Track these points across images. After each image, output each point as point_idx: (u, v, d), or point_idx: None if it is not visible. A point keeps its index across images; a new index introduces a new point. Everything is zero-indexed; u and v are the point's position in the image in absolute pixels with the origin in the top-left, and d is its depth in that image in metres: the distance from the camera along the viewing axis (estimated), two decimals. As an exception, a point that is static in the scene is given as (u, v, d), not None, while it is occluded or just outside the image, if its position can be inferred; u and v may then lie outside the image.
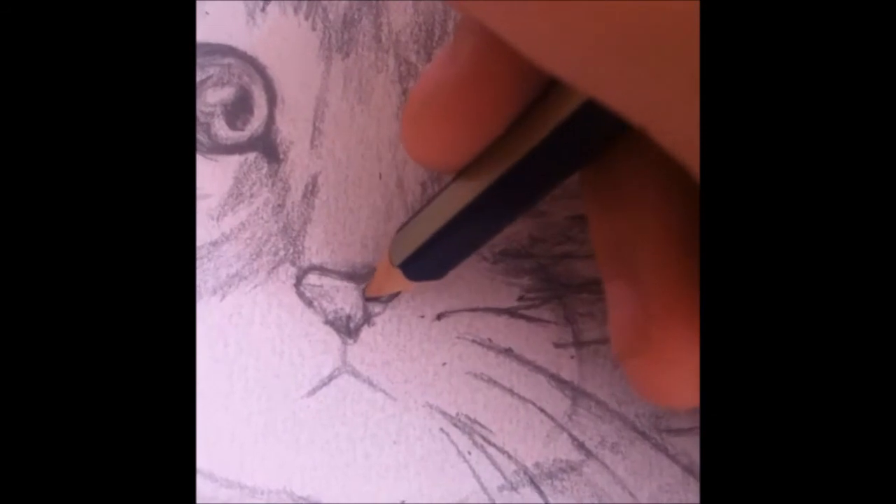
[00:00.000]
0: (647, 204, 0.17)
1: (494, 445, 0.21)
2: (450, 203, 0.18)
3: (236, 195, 0.22)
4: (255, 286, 0.21)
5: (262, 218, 0.22)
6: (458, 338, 0.22)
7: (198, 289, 0.21)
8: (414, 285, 0.20)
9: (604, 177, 0.18)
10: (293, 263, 0.21)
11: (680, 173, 0.14)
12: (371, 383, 0.21)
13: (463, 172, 0.18)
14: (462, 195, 0.18)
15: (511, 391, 0.21)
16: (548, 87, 0.16)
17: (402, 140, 0.18)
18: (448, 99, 0.17)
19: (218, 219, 0.21)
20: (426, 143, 0.18)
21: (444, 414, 0.21)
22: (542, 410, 0.21)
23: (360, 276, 0.21)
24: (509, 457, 0.21)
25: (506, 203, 0.18)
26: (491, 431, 0.21)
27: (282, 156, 0.22)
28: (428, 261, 0.19)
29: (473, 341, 0.22)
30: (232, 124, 0.22)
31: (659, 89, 0.13)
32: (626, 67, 0.12)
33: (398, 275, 0.20)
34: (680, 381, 0.16)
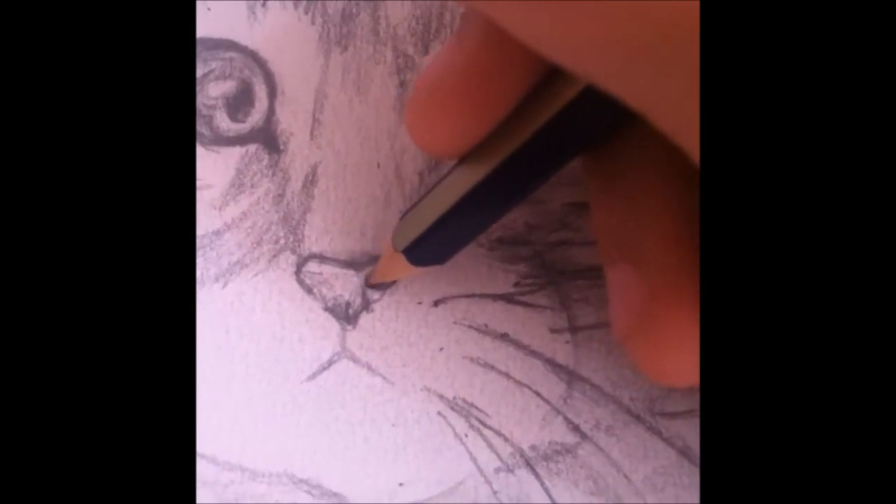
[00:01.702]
0: (650, 187, 0.17)
1: (491, 428, 0.21)
2: (453, 188, 0.18)
3: (238, 185, 0.22)
4: (256, 274, 0.22)
5: (262, 207, 0.22)
6: (455, 323, 0.22)
7: (200, 276, 0.21)
8: (417, 271, 0.20)
9: (607, 161, 0.18)
10: (293, 251, 0.22)
11: (681, 157, 0.14)
12: (370, 368, 0.21)
13: (465, 158, 0.18)
14: (465, 180, 0.18)
15: (507, 375, 0.22)
16: (550, 72, 0.17)
17: (408, 127, 0.18)
18: (454, 86, 0.17)
19: (220, 208, 0.22)
20: (432, 130, 0.18)
21: (441, 397, 0.21)
22: (537, 394, 0.22)
23: (358, 263, 0.22)
24: (505, 439, 0.21)
25: (509, 187, 0.18)
26: (487, 414, 0.21)
27: (282, 147, 0.22)
28: (431, 246, 0.19)
29: (470, 327, 0.22)
30: (233, 117, 0.22)
31: (661, 82, 0.13)
32: (631, 62, 0.13)
33: (401, 260, 0.20)
34: (685, 358, 0.16)
